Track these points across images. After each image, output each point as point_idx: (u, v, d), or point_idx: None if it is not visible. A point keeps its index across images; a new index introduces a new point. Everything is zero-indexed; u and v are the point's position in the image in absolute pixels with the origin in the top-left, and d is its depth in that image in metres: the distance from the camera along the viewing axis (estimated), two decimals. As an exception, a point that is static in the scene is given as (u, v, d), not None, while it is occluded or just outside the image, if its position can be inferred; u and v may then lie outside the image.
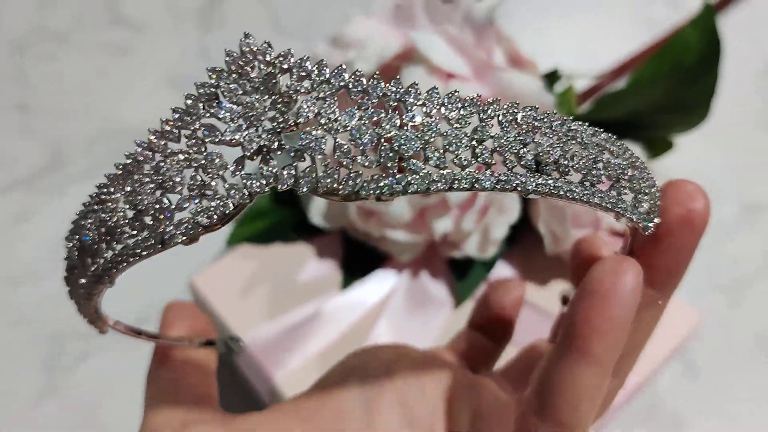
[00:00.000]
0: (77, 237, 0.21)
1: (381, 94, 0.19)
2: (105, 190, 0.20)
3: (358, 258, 0.47)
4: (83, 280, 0.21)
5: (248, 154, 0.18)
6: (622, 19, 0.73)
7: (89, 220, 0.21)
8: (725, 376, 0.54)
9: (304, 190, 0.18)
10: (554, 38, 0.72)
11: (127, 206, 0.20)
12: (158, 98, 0.66)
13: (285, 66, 0.19)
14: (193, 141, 0.19)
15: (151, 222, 0.19)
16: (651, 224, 0.21)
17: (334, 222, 0.47)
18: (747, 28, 0.72)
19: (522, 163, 0.19)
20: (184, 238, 0.18)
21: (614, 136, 0.22)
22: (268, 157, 0.18)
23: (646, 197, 0.21)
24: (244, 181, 0.18)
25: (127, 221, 0.19)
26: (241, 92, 0.19)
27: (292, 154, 0.18)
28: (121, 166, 0.20)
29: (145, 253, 0.19)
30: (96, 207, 0.20)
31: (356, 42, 0.45)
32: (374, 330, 0.45)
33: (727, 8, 0.72)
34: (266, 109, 0.19)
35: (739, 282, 0.58)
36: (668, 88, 0.42)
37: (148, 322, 0.53)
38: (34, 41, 0.69)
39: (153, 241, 0.19)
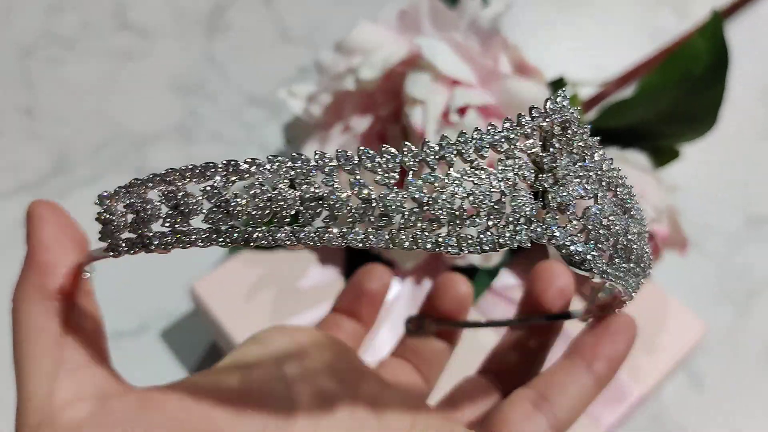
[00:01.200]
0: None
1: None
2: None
3: (361, 265, 0.47)
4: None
5: (548, 205, 0.20)
6: (629, 28, 0.73)
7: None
8: (731, 388, 0.53)
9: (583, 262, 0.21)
10: (560, 47, 0.71)
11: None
12: (164, 104, 0.66)
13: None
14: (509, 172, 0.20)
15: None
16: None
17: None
18: (752, 38, 0.72)
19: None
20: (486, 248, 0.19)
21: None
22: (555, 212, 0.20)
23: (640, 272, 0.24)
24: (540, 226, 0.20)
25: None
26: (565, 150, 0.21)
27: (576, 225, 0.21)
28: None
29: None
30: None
31: (361, 48, 0.45)
32: (376, 338, 0.45)
33: (732, 18, 0.72)
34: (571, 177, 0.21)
35: (746, 293, 0.57)
36: (676, 97, 0.42)
37: (148, 330, 0.53)
38: (41, 46, 0.69)
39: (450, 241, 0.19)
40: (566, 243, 0.20)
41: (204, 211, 0.19)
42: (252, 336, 0.28)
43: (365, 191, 0.19)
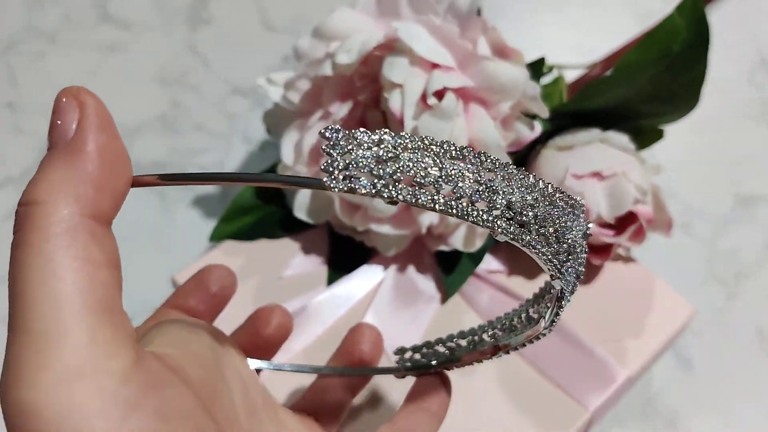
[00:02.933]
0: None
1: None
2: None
3: (344, 253, 0.47)
4: None
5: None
6: (616, 12, 0.73)
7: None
8: (721, 371, 0.53)
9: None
10: (547, 30, 0.71)
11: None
12: (148, 96, 0.66)
13: None
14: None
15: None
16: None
17: (318, 217, 0.46)
18: (739, 17, 0.71)
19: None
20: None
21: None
22: None
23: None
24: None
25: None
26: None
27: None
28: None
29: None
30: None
31: (339, 34, 0.44)
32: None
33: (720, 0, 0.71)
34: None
35: (735, 275, 0.57)
36: (655, 75, 0.41)
37: (132, 321, 0.53)
38: (22, 40, 0.69)
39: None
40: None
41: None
42: (151, 331, 0.26)
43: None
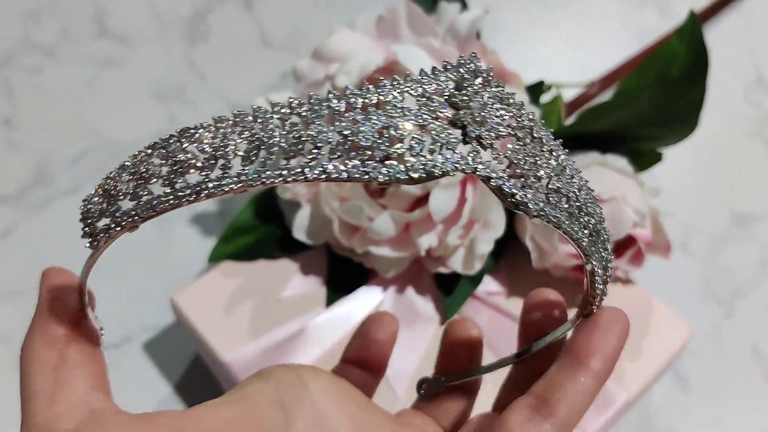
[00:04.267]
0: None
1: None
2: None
3: (343, 274, 0.47)
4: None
5: (468, 135, 0.21)
6: (613, 29, 0.73)
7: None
8: (718, 390, 0.53)
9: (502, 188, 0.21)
10: (545, 48, 0.71)
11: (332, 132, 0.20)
12: (145, 111, 0.66)
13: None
14: (424, 102, 0.21)
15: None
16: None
17: (317, 237, 0.46)
18: (736, 36, 0.72)
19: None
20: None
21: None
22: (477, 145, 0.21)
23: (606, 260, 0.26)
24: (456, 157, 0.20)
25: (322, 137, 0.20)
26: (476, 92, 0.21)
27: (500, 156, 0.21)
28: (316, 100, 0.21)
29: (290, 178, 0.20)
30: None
31: (338, 55, 0.44)
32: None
33: (716, 16, 0.71)
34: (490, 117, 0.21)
35: (732, 293, 0.57)
36: (654, 99, 0.41)
37: (130, 342, 0.53)
38: (19, 54, 0.69)
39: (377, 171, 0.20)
40: (492, 176, 0.21)
41: (164, 174, 0.20)
42: (257, 371, 0.28)
43: (295, 130, 0.20)
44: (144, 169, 0.21)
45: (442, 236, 0.43)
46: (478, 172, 0.20)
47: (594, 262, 0.25)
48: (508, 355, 0.31)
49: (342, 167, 0.20)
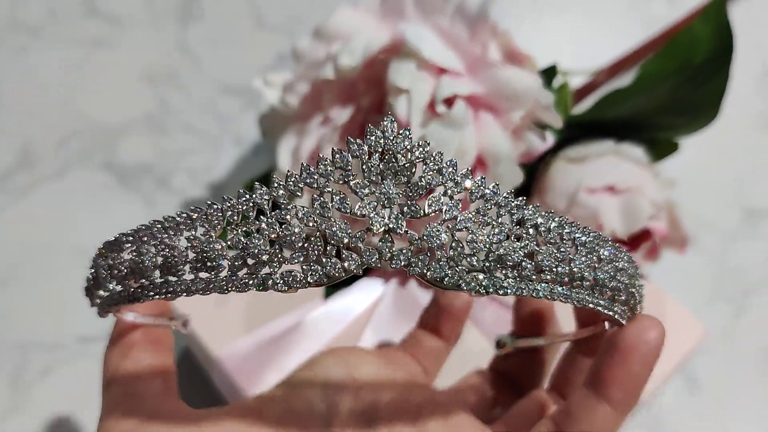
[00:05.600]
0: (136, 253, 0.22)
1: (502, 204, 0.21)
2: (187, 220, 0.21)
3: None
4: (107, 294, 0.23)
5: (374, 231, 0.20)
6: (619, 16, 0.71)
7: (154, 243, 0.21)
8: (729, 390, 0.51)
9: (416, 272, 0.20)
10: (549, 35, 0.69)
11: (223, 244, 0.21)
12: (135, 95, 0.63)
13: (421, 158, 0.21)
14: (319, 203, 0.20)
15: (253, 263, 0.20)
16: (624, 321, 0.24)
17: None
18: (746, 26, 0.70)
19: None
20: (285, 287, 0.20)
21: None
22: (389, 237, 0.20)
23: (622, 297, 0.23)
24: (362, 255, 0.20)
25: (217, 255, 0.20)
26: (378, 173, 0.20)
27: (413, 241, 0.20)
28: (231, 202, 0.21)
29: (229, 290, 0.20)
30: (168, 233, 0.21)
31: (341, 34, 0.42)
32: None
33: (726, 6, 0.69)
34: (399, 196, 0.20)
35: (743, 292, 0.55)
36: (675, 86, 0.39)
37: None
38: (4, 34, 0.66)
39: (251, 282, 0.20)
40: (410, 263, 0.20)
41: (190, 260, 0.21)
42: (308, 359, 0.29)
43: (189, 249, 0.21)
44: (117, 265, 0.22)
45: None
46: (381, 266, 0.20)
47: (588, 305, 0.22)
48: (574, 332, 0.30)
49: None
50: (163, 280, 0.21)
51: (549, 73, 0.44)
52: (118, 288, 0.22)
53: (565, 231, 0.22)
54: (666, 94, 0.40)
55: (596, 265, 0.22)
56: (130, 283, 0.22)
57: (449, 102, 0.39)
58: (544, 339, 0.32)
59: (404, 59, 0.39)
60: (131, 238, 0.22)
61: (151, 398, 0.25)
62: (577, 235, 0.22)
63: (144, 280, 0.21)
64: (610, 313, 0.23)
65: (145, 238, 0.21)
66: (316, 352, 0.30)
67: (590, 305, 0.22)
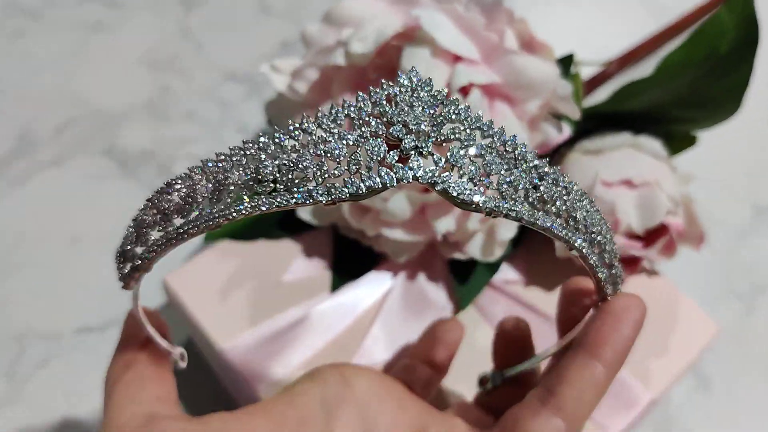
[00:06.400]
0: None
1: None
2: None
3: (350, 258, 0.43)
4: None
5: (404, 148, 0.21)
6: (629, 6, 0.70)
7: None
8: (740, 388, 0.50)
9: (440, 189, 0.21)
10: (559, 24, 0.68)
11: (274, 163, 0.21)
12: (135, 80, 0.62)
13: (441, 99, 0.22)
14: (358, 125, 0.21)
15: (300, 176, 0.21)
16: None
17: (323, 218, 0.43)
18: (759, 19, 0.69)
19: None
20: (327, 198, 0.21)
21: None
22: (416, 156, 0.21)
23: (606, 258, 0.25)
24: (392, 172, 0.21)
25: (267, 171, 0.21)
26: (409, 104, 0.21)
27: (438, 162, 0.21)
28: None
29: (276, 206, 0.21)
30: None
31: (352, 19, 0.41)
32: (367, 337, 0.41)
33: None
34: (426, 122, 0.21)
35: (754, 289, 0.54)
36: (698, 77, 0.38)
37: (116, 326, 0.49)
38: (2, 18, 0.64)
39: (298, 196, 0.21)
40: (435, 180, 0.21)
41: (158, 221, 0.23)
42: (307, 371, 0.30)
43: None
44: (142, 220, 0.23)
45: (461, 220, 0.39)
46: (418, 181, 0.21)
47: (583, 250, 0.24)
48: (555, 344, 0.31)
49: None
50: (210, 209, 0.22)
51: (566, 63, 0.42)
52: (159, 235, 0.23)
53: (560, 177, 0.23)
54: (687, 86, 0.39)
55: (588, 208, 0.24)
56: (173, 222, 0.22)
57: (464, 91, 0.37)
58: (529, 362, 0.33)
59: (418, 46, 0.38)
60: (181, 177, 0.22)
61: (154, 406, 0.27)
62: (569, 183, 0.23)
63: (194, 212, 0.22)
64: (600, 275, 0.25)
65: (196, 172, 0.22)
66: (314, 368, 0.30)
67: (586, 253, 0.24)
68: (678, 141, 0.43)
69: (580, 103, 0.46)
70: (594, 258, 0.24)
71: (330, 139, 0.21)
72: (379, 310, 0.42)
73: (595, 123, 0.43)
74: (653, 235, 0.41)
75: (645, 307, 0.26)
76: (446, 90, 0.22)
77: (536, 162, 0.22)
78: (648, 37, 0.61)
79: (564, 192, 0.23)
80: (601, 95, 0.50)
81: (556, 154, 0.44)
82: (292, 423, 0.27)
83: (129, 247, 0.24)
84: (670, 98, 0.40)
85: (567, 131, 0.40)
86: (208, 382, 0.47)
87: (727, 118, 0.40)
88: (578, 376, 0.26)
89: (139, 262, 0.23)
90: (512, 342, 0.33)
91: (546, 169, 0.23)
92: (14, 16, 0.65)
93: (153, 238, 0.23)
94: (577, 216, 0.23)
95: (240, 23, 0.66)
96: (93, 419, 0.46)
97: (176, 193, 0.22)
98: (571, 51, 0.44)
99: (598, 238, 0.24)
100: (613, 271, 0.26)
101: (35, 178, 0.56)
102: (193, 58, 0.63)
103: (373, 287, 0.43)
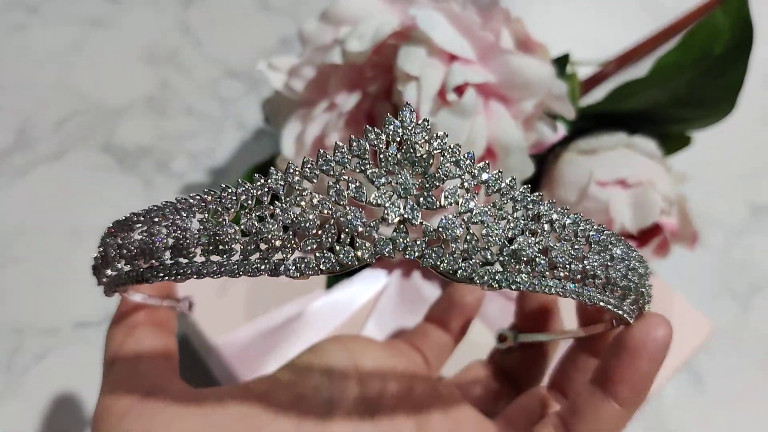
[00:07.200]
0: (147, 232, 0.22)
1: (518, 199, 0.21)
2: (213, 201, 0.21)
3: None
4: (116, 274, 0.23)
5: (389, 221, 0.20)
6: (626, 6, 0.70)
7: (165, 224, 0.21)
8: (734, 387, 0.50)
9: (430, 263, 0.20)
10: (556, 24, 0.68)
11: (236, 228, 0.20)
12: (134, 75, 0.62)
13: (439, 149, 0.20)
14: (334, 191, 0.20)
15: (265, 249, 0.20)
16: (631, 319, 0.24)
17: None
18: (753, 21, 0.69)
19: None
20: (297, 274, 0.20)
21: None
22: (403, 228, 0.20)
23: (632, 296, 0.23)
24: (376, 245, 0.20)
25: (230, 239, 0.20)
26: (395, 162, 0.20)
27: (428, 232, 0.20)
28: (244, 187, 0.20)
29: (240, 274, 0.20)
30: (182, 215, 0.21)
31: (349, 18, 0.41)
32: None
33: None
34: (415, 187, 0.20)
35: (749, 288, 0.54)
36: (693, 78, 0.38)
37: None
38: (2, 12, 0.64)
39: (263, 267, 0.20)
40: (410, 254, 0.20)
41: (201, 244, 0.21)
42: (312, 345, 0.30)
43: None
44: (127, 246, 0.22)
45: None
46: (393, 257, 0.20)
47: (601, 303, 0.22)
48: (575, 330, 0.30)
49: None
50: (173, 261, 0.21)
51: (561, 63, 0.43)
52: (127, 268, 0.22)
53: (580, 228, 0.22)
54: (683, 86, 0.39)
55: (609, 264, 0.22)
56: (139, 263, 0.22)
57: (460, 90, 0.38)
58: (547, 335, 0.32)
59: (414, 45, 0.38)
60: (142, 219, 0.22)
61: (153, 377, 0.25)
62: (591, 233, 0.22)
63: (154, 261, 0.21)
64: (619, 311, 0.23)
65: (157, 219, 0.21)
66: (320, 340, 0.30)
67: (600, 303, 0.22)
68: (673, 141, 0.43)
69: (576, 102, 0.46)
70: (613, 301, 0.23)
71: (304, 206, 0.20)
72: (373, 308, 0.42)
73: (590, 123, 0.43)
74: (647, 235, 0.41)
75: (670, 331, 0.24)
76: (443, 134, 0.21)
77: (546, 211, 0.21)
78: (647, 37, 0.61)
79: (584, 249, 0.22)
80: (598, 95, 0.50)
81: (551, 154, 0.44)
82: (302, 401, 0.26)
83: (100, 265, 0.23)
84: (666, 98, 0.40)
85: (562, 131, 0.40)
86: (203, 379, 0.47)
87: (722, 118, 0.40)
88: (594, 416, 0.25)
89: (111, 282, 0.23)
90: (536, 308, 0.32)
91: (565, 221, 0.21)
92: (13, 9, 0.65)
93: (120, 266, 0.23)
94: (597, 273, 0.22)
95: (239, 19, 0.66)
96: (91, 413, 0.47)
97: (137, 233, 0.22)
98: (569, 51, 0.44)
99: (621, 283, 0.23)
100: (640, 301, 0.24)
101: (34, 172, 0.56)
102: (193, 53, 0.63)
103: (368, 284, 0.43)
